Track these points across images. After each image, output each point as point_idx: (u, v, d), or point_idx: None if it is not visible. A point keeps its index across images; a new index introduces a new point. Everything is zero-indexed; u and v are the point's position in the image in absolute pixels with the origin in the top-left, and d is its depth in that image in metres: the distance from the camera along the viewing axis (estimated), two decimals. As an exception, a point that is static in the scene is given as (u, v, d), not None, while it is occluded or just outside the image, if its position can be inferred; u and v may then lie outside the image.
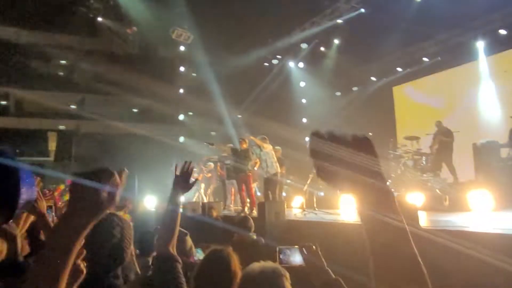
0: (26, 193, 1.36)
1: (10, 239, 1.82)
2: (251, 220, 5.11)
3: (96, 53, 19.14)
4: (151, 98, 18.69)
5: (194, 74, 18.20)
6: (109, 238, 1.74)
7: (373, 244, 0.80)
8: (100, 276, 1.68)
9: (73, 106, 20.36)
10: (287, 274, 1.83)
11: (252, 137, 9.85)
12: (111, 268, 1.74)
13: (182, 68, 18.05)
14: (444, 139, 10.74)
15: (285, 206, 8.18)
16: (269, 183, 9.60)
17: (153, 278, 1.80)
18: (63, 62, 20.47)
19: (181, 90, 18.75)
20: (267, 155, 9.60)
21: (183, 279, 2.11)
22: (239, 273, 2.12)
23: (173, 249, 2.14)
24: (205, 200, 12.73)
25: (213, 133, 18.57)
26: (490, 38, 12.61)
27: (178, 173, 2.35)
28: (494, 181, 9.09)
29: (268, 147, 9.68)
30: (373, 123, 14.50)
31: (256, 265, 1.85)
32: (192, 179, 2.35)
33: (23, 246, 2.56)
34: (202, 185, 13.62)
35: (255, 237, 4.78)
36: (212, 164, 13.59)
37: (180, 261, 2.14)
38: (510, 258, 3.66)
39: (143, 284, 2.44)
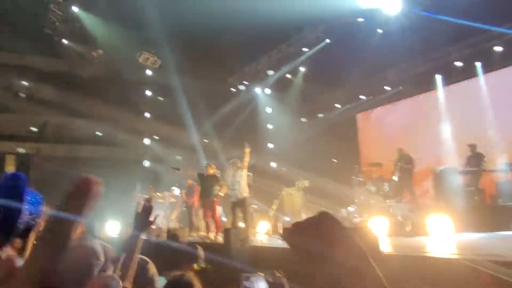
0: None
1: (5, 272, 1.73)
2: (200, 248, 5.05)
3: (60, 75, 18.79)
4: (116, 122, 18.43)
5: (160, 98, 18.13)
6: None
7: None
8: None
9: (34, 129, 19.80)
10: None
11: (247, 150, 9.29)
12: None
13: (148, 92, 17.95)
14: (404, 166, 11.05)
15: (250, 232, 8.15)
16: (241, 206, 9.30)
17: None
18: (25, 83, 19.96)
19: (147, 114, 18.61)
20: (241, 177, 9.38)
21: None
22: None
23: (129, 284, 2.16)
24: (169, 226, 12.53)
25: (178, 157, 18.41)
26: (447, 69, 13.22)
27: (139, 211, 2.40)
28: (453, 206, 9.41)
29: (245, 169, 9.54)
30: (337, 149, 14.79)
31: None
32: (151, 218, 2.40)
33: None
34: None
35: (203, 265, 4.79)
36: (176, 189, 13.46)
37: None
38: (466, 282, 3.78)
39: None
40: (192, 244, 5.19)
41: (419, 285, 4.24)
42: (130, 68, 16.18)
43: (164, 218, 13.83)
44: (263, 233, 10.18)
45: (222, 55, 14.80)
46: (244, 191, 9.30)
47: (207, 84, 15.69)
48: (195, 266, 4.42)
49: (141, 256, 2.93)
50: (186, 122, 16.69)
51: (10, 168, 19.71)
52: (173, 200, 13.54)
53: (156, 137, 19.33)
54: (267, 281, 2.09)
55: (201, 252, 4.77)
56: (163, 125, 18.13)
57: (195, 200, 11.45)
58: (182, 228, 11.24)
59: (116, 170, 16.46)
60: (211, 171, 10.00)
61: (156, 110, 18.15)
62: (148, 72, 16.52)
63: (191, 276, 2.24)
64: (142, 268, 2.83)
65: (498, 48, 12.13)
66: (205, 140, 18.10)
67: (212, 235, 9.62)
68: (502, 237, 6.47)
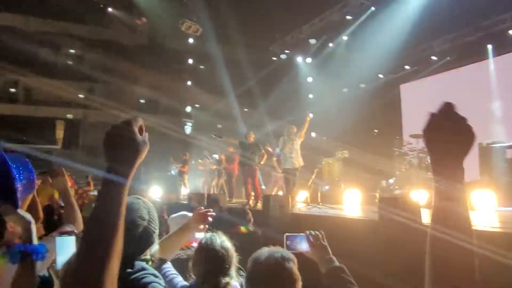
0: (23, 189, 1.54)
1: (25, 226, 1.88)
2: (250, 213, 5.14)
3: (105, 43, 19.24)
4: (159, 90, 18.81)
5: (202, 67, 18.27)
6: (138, 222, 1.76)
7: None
8: (131, 260, 1.69)
9: (81, 96, 20.51)
10: (295, 259, 1.91)
11: (308, 118, 9.25)
12: (142, 251, 1.77)
13: (190, 61, 18.11)
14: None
15: (290, 200, 8.25)
16: (293, 175, 9.26)
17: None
18: (72, 51, 20.58)
19: (189, 82, 18.83)
20: (298, 146, 9.29)
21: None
22: (233, 254, 2.24)
23: None
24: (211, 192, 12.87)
25: (219, 125, 18.67)
26: (500, 38, 12.59)
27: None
28: (499, 181, 9.15)
29: (302, 138, 9.39)
30: (379, 120, 14.55)
31: (265, 249, 1.93)
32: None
33: (38, 229, 2.67)
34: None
35: (252, 228, 4.84)
36: (217, 156, 13.69)
37: None
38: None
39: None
40: (243, 208, 5.29)
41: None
42: (172, 36, 16.34)
43: (205, 185, 14.20)
44: (302, 201, 10.28)
45: (263, 23, 14.64)
46: (299, 160, 9.24)
47: (248, 52, 15.65)
48: (243, 228, 4.47)
49: (188, 214, 3.06)
50: (227, 90, 16.81)
51: (60, 132, 20.63)
52: (214, 166, 13.82)
53: (197, 105, 19.61)
54: (309, 242, 2.16)
55: (250, 215, 4.82)
56: (205, 94, 18.35)
57: (235, 168, 11.65)
58: (222, 194, 11.49)
59: (158, 137, 16.92)
60: (251, 139, 10.10)
61: (197, 78, 18.34)
62: (190, 40, 16.61)
63: (224, 240, 2.35)
64: (159, 209, 2.97)
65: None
66: (245, 110, 18.21)
67: (251, 202, 9.81)
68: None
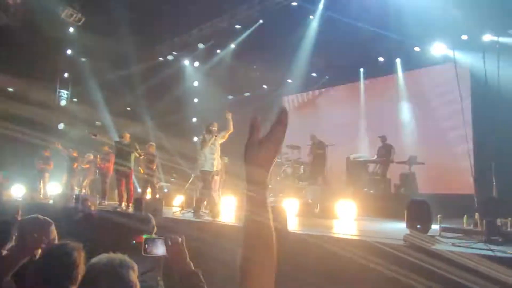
0: None
1: None
2: (153, 219, 4.28)
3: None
4: (31, 78, 17.20)
5: (83, 59, 17.15)
6: None
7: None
8: None
9: None
10: (136, 267, 1.81)
11: (229, 116, 8.30)
12: None
13: (69, 51, 16.92)
14: (317, 151, 11.53)
15: (163, 204, 8.09)
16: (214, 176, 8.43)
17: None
18: None
19: (66, 74, 17.56)
20: (219, 147, 8.26)
21: None
22: (82, 267, 1.99)
23: None
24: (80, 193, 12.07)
25: (98, 123, 17.65)
26: (370, 63, 13.80)
27: None
28: (361, 192, 10.03)
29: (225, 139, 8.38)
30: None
31: (104, 256, 1.79)
32: None
33: None
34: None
35: (155, 237, 4.02)
36: (91, 155, 12.96)
37: None
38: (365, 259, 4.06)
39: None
40: (145, 214, 4.49)
41: (316, 260, 4.49)
42: (51, 22, 15.07)
43: (77, 185, 13.33)
44: (177, 206, 10.16)
45: (152, 21, 14.23)
46: (219, 163, 8.39)
47: (133, 49, 15.07)
48: (146, 238, 3.76)
49: (45, 218, 2.73)
50: (107, 87, 16.01)
51: None
52: (86, 165, 13.03)
53: (75, 100, 18.35)
54: (166, 245, 2.12)
55: (153, 223, 3.98)
56: (83, 88, 17.23)
57: (110, 168, 11.11)
58: (94, 196, 10.90)
59: (28, 130, 15.46)
60: (127, 139, 9.78)
61: (77, 70, 17.15)
62: (71, 30, 15.52)
63: (76, 246, 2.07)
64: (45, 230, 2.64)
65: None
66: (127, 108, 17.50)
67: (123, 205, 9.45)
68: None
